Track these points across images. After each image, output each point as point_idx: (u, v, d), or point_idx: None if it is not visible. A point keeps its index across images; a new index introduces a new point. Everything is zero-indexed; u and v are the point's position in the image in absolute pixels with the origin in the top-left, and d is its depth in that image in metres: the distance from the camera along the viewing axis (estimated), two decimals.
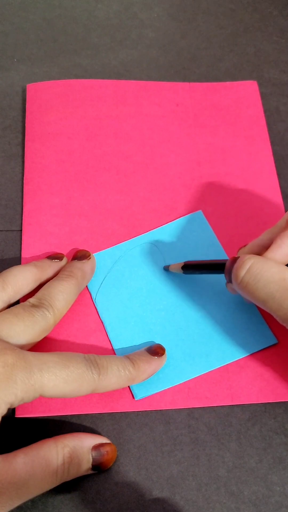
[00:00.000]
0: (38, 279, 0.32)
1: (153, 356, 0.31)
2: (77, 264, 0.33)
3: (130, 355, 0.31)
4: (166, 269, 0.35)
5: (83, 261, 0.34)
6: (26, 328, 0.28)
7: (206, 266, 0.33)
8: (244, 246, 0.33)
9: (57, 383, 0.26)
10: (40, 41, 0.46)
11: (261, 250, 0.31)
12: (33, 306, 0.30)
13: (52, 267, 0.33)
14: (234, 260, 0.30)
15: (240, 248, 0.33)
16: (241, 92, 0.43)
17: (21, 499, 0.26)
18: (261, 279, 0.28)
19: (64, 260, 0.34)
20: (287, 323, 0.28)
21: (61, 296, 0.31)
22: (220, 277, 0.33)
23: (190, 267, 0.33)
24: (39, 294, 0.31)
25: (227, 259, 0.31)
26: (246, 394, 0.32)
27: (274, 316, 0.28)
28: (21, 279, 0.31)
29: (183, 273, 0.34)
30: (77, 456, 0.28)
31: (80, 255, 0.34)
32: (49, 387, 0.26)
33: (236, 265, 0.29)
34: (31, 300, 0.30)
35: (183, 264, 0.34)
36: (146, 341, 0.33)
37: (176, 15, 0.48)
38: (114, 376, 0.29)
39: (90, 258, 0.34)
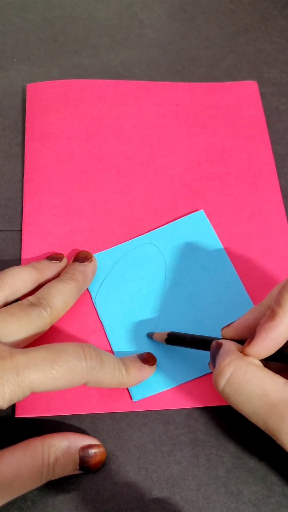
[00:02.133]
0: (37, 280, 0.32)
1: (144, 364, 0.31)
2: (79, 266, 0.33)
3: (123, 358, 0.30)
4: (150, 337, 0.33)
5: (85, 263, 0.33)
6: (21, 327, 0.28)
7: (190, 343, 0.30)
8: (228, 326, 0.29)
9: (45, 380, 0.26)
10: (40, 41, 0.46)
11: (245, 331, 0.28)
12: (31, 304, 0.30)
13: (51, 268, 0.33)
14: (218, 346, 0.27)
15: (224, 328, 0.30)
16: (241, 92, 0.43)
17: (5, 499, 0.26)
18: (243, 392, 0.25)
19: (64, 261, 0.34)
20: (275, 438, 0.26)
21: (60, 296, 0.31)
22: (220, 284, 0.33)
23: (174, 340, 0.31)
24: (38, 293, 0.31)
25: (212, 339, 0.29)
26: None
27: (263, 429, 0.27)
28: (18, 279, 0.31)
29: (166, 344, 0.32)
30: (63, 457, 0.27)
31: (82, 257, 0.34)
32: (37, 384, 0.26)
33: (215, 372, 0.26)
34: (30, 298, 0.30)
35: (166, 334, 0.31)
36: (146, 341, 0.33)
37: (176, 15, 0.48)
38: (110, 372, 0.29)
39: (92, 260, 0.34)
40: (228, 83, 0.44)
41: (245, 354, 0.26)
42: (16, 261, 0.36)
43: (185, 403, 0.32)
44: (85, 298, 0.34)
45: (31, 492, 0.29)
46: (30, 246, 0.36)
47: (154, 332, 0.33)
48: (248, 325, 0.28)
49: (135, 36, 0.46)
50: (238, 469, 0.30)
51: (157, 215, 0.37)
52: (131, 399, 0.31)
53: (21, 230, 0.37)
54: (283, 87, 0.44)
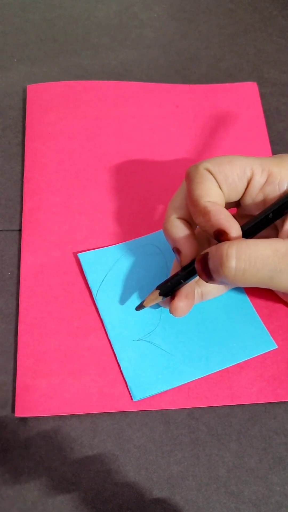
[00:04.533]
0: None
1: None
2: None
3: None
4: (140, 308, 0.32)
5: None
6: None
7: (179, 280, 0.30)
8: (180, 253, 0.30)
9: None
10: (40, 41, 0.46)
11: (196, 247, 0.30)
12: None
13: None
14: (205, 257, 0.28)
15: (181, 256, 0.30)
16: (240, 94, 0.43)
17: None
18: (257, 259, 0.26)
19: None
20: None
21: None
22: None
23: (167, 289, 0.31)
24: None
25: (191, 264, 0.29)
26: (246, 394, 0.32)
27: (283, 290, 0.27)
28: None
29: (163, 299, 0.31)
30: None
31: None
32: None
33: (219, 260, 0.26)
34: None
35: (157, 291, 0.31)
36: (146, 341, 0.33)
37: (176, 15, 0.48)
38: None
39: None
40: (227, 84, 0.44)
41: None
42: (16, 261, 0.36)
43: (186, 403, 0.31)
44: (86, 296, 0.34)
45: (31, 492, 0.29)
46: (30, 245, 0.36)
47: (143, 301, 0.32)
48: (192, 239, 0.30)
49: (135, 36, 0.46)
50: (239, 469, 0.30)
51: (157, 215, 0.37)
52: (131, 399, 0.31)
53: (20, 230, 0.37)
54: (283, 87, 0.44)
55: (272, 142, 0.41)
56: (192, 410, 0.32)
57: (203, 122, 0.42)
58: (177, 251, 0.30)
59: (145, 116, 0.41)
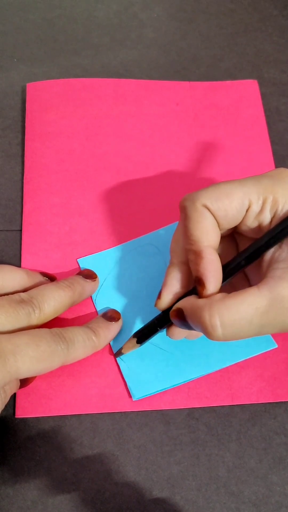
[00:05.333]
0: (24, 285, 0.32)
1: (110, 322, 0.32)
2: (80, 280, 0.33)
3: (89, 324, 0.31)
4: (119, 355, 0.32)
5: (87, 280, 0.33)
6: (6, 321, 0.28)
7: (154, 328, 0.30)
8: (159, 298, 0.30)
9: (31, 364, 0.27)
10: (40, 41, 0.45)
11: (176, 296, 0.30)
12: (22, 301, 0.29)
13: (41, 282, 0.33)
14: (179, 312, 0.28)
15: (157, 303, 0.30)
16: (241, 91, 0.43)
17: None
18: (242, 324, 0.25)
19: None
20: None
21: (52, 302, 0.30)
22: None
23: (143, 337, 0.31)
24: (32, 292, 0.31)
25: (159, 316, 0.30)
26: (246, 394, 0.32)
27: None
28: (9, 278, 0.31)
29: (140, 345, 0.31)
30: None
31: (86, 274, 0.34)
32: (23, 369, 0.27)
33: (204, 329, 0.26)
34: (22, 294, 0.30)
35: (135, 339, 0.31)
36: (146, 342, 0.33)
37: (176, 15, 0.48)
38: (81, 347, 0.29)
39: (94, 280, 0.34)
40: (228, 82, 0.44)
41: (206, 297, 0.27)
42: (16, 261, 0.36)
43: (186, 403, 0.31)
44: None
45: (31, 492, 0.29)
46: (30, 245, 0.36)
47: (119, 348, 0.32)
48: (175, 288, 0.30)
49: (135, 36, 0.46)
50: (239, 469, 0.30)
51: (157, 215, 0.37)
52: (131, 399, 0.31)
53: (21, 230, 0.37)
54: (283, 87, 0.44)
55: (272, 142, 0.41)
56: (192, 410, 0.32)
57: (203, 121, 0.42)
58: (158, 294, 0.30)
59: (145, 115, 0.41)
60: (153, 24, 0.47)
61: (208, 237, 0.28)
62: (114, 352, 0.32)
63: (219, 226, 0.28)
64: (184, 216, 0.29)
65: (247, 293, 0.26)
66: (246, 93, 0.43)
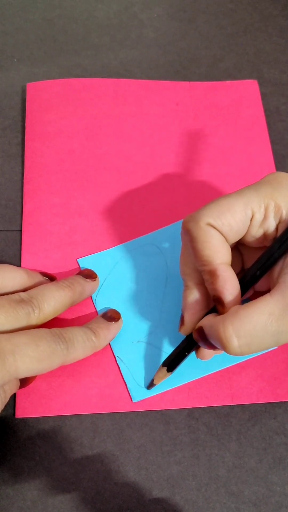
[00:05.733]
0: (25, 285, 0.32)
1: (110, 322, 0.32)
2: (80, 280, 0.33)
3: (89, 324, 0.31)
4: (152, 386, 0.31)
5: (87, 280, 0.33)
6: (6, 321, 0.28)
7: (182, 354, 0.30)
8: (182, 324, 0.30)
9: (30, 364, 0.27)
10: (40, 41, 0.45)
11: (197, 320, 0.30)
12: (21, 301, 0.29)
13: (41, 281, 0.33)
14: (201, 330, 0.28)
15: (181, 327, 0.30)
16: (241, 91, 0.43)
17: None
18: (258, 332, 0.25)
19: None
20: None
21: (53, 302, 0.30)
22: None
23: (173, 364, 0.31)
24: (32, 291, 0.31)
25: (185, 340, 0.30)
26: (246, 394, 0.32)
27: None
28: (8, 278, 0.31)
29: (171, 373, 0.31)
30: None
31: (86, 273, 0.34)
32: (23, 369, 0.27)
33: (220, 342, 0.26)
34: (22, 294, 0.30)
35: (165, 368, 0.30)
36: (146, 343, 0.33)
37: (176, 15, 0.48)
38: (80, 347, 0.29)
39: (94, 280, 0.34)
40: (228, 82, 0.44)
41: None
42: (16, 261, 0.36)
43: (186, 403, 0.31)
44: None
45: (31, 492, 0.29)
46: (30, 246, 0.36)
47: (151, 380, 0.31)
48: (196, 311, 0.30)
49: (135, 36, 0.46)
50: (239, 469, 0.30)
51: (157, 215, 0.37)
52: (131, 400, 0.31)
53: (21, 230, 0.37)
54: (283, 87, 0.44)
55: (272, 142, 0.41)
56: (192, 410, 0.32)
57: (203, 121, 0.42)
58: (181, 319, 0.30)
59: (145, 115, 0.41)
60: (153, 24, 0.47)
61: (219, 255, 0.28)
62: (146, 386, 0.32)
63: (227, 241, 0.28)
64: (189, 238, 0.29)
65: (259, 301, 0.26)
66: (246, 93, 0.43)
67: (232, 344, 0.26)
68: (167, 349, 0.33)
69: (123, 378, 0.32)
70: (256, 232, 0.28)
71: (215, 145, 0.40)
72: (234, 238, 0.28)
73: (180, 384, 0.32)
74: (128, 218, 0.37)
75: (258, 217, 0.28)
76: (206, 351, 0.30)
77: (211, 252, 0.28)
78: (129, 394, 0.31)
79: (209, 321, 0.28)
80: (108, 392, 0.32)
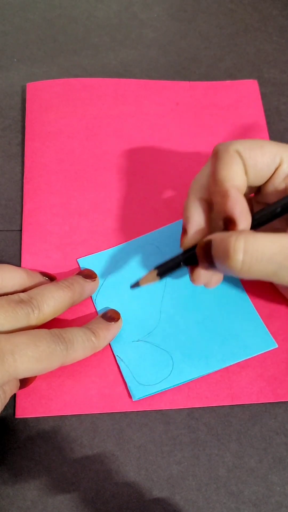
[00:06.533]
0: (24, 284, 0.32)
1: (110, 322, 0.32)
2: (80, 280, 0.33)
3: (89, 325, 0.31)
4: (135, 286, 0.32)
5: (87, 280, 0.33)
6: (5, 322, 0.28)
7: (178, 263, 0.30)
8: (185, 235, 0.30)
9: (30, 364, 0.27)
10: (40, 41, 0.45)
11: (201, 234, 0.30)
12: (21, 301, 0.29)
13: (41, 282, 0.33)
14: (208, 244, 0.28)
15: (183, 239, 0.31)
16: (241, 91, 0.43)
17: None
18: (264, 255, 0.26)
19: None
20: None
21: (52, 302, 0.30)
22: (221, 283, 0.33)
23: (165, 270, 0.31)
24: (32, 292, 0.31)
25: (195, 246, 0.29)
26: (246, 394, 0.32)
27: (286, 285, 0.28)
28: (8, 278, 0.31)
29: (160, 280, 0.31)
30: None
31: (86, 274, 0.34)
32: (22, 369, 0.27)
33: (225, 251, 0.26)
34: (21, 295, 0.30)
35: (155, 271, 0.31)
36: (146, 342, 0.33)
37: (176, 15, 0.48)
38: (80, 347, 0.29)
39: (94, 280, 0.34)
40: (228, 82, 0.44)
41: None
42: (16, 261, 0.36)
43: (186, 403, 0.31)
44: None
45: (31, 492, 0.29)
46: (30, 246, 0.36)
47: (138, 280, 0.31)
48: (201, 225, 0.30)
49: (135, 36, 0.46)
50: (239, 469, 0.30)
51: (157, 215, 0.37)
52: (131, 398, 0.31)
53: (21, 230, 0.37)
54: (283, 87, 0.44)
55: None
56: (192, 410, 0.32)
57: (203, 120, 0.42)
58: (183, 231, 0.30)
59: (145, 115, 0.41)
60: (153, 24, 0.47)
61: (235, 179, 0.28)
62: (131, 286, 0.32)
63: (247, 177, 0.29)
64: (215, 159, 0.29)
65: (278, 234, 0.26)
66: (246, 93, 0.43)
67: (237, 256, 0.26)
68: (167, 348, 0.33)
69: (123, 378, 0.32)
70: (279, 184, 0.29)
71: (215, 145, 0.40)
72: (254, 178, 0.29)
73: (180, 383, 0.32)
74: (128, 218, 0.37)
75: (285, 168, 0.28)
76: (201, 274, 0.30)
77: (228, 175, 0.28)
78: (129, 393, 0.31)
79: (221, 235, 0.27)
80: (108, 392, 0.32)
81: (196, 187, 0.30)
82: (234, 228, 0.27)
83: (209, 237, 0.28)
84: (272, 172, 0.29)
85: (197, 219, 0.30)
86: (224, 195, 0.28)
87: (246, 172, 0.28)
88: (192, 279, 0.31)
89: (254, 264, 0.26)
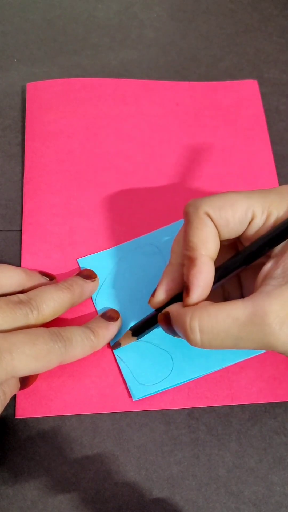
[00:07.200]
0: (23, 284, 0.32)
1: (109, 321, 0.32)
2: (79, 281, 0.33)
3: (88, 324, 0.31)
4: (117, 347, 0.32)
5: (87, 280, 0.33)
6: (3, 322, 0.28)
7: (148, 324, 0.31)
8: (153, 296, 0.31)
9: (27, 362, 0.27)
10: (40, 41, 0.45)
11: (169, 294, 0.30)
12: (20, 302, 0.29)
13: (40, 281, 0.33)
14: (167, 316, 0.28)
15: (151, 300, 0.31)
16: (241, 91, 0.43)
17: None
18: (219, 332, 0.26)
19: (53, 282, 0.33)
20: (267, 349, 0.26)
21: (52, 303, 0.30)
22: None
23: (139, 331, 0.32)
24: (31, 293, 0.31)
25: (154, 313, 0.31)
26: (246, 394, 0.32)
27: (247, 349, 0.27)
28: (6, 277, 0.31)
29: (138, 339, 0.32)
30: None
31: (86, 274, 0.34)
32: (20, 367, 0.27)
33: (183, 331, 0.27)
34: (21, 295, 0.30)
35: (130, 332, 0.32)
36: (145, 341, 0.33)
37: (176, 15, 0.48)
38: (79, 346, 0.30)
39: (94, 280, 0.34)
40: (228, 82, 0.44)
41: (189, 305, 0.28)
42: (16, 261, 0.36)
43: (186, 403, 0.31)
44: None
45: (31, 492, 0.29)
46: (30, 246, 0.36)
47: (116, 341, 0.32)
48: (169, 288, 0.30)
49: (135, 36, 0.46)
50: (239, 469, 0.30)
51: (157, 215, 0.37)
52: (131, 399, 0.31)
53: (21, 230, 0.37)
54: (283, 87, 0.44)
55: (272, 142, 0.41)
56: (192, 410, 0.32)
57: (203, 121, 0.42)
58: (152, 292, 0.31)
59: (145, 115, 0.41)
60: (153, 24, 0.47)
61: (206, 246, 0.28)
62: (112, 345, 0.32)
63: (219, 235, 0.28)
64: (185, 222, 0.29)
65: (230, 304, 0.26)
66: (246, 93, 0.43)
67: (194, 337, 0.26)
68: (167, 348, 0.33)
69: (122, 378, 0.32)
70: (253, 236, 0.28)
71: (215, 145, 0.40)
72: (228, 235, 0.28)
73: (180, 383, 0.32)
74: (128, 218, 0.37)
75: (258, 222, 0.28)
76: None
77: (198, 241, 0.28)
78: (129, 393, 0.31)
79: (177, 309, 0.28)
80: (108, 392, 0.32)
81: (177, 251, 0.30)
82: (187, 297, 0.28)
83: (167, 309, 0.29)
84: (246, 227, 0.28)
85: (168, 284, 0.30)
86: (191, 262, 0.28)
87: (218, 232, 0.28)
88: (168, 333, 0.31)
89: (213, 340, 0.26)
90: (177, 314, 0.28)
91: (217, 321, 0.26)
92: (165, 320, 0.29)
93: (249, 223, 0.28)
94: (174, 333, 0.29)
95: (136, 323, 0.32)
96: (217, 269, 0.28)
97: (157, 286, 0.31)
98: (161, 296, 0.30)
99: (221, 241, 0.29)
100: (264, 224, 0.28)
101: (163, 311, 0.29)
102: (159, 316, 0.29)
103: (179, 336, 0.28)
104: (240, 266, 0.28)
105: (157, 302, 0.30)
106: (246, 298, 0.26)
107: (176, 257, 0.30)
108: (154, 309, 0.31)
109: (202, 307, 0.27)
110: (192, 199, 0.29)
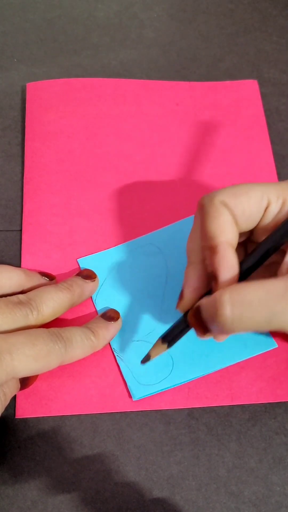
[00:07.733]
0: (23, 285, 0.32)
1: (109, 321, 0.32)
2: (79, 281, 0.33)
3: (88, 324, 0.31)
4: (146, 361, 0.30)
5: (87, 281, 0.33)
6: (3, 323, 0.28)
7: (181, 331, 0.29)
8: (181, 300, 0.30)
9: (27, 363, 0.27)
10: (40, 41, 0.45)
11: (197, 295, 0.29)
12: (19, 302, 0.29)
13: (40, 281, 0.33)
14: (197, 310, 0.27)
15: (179, 305, 0.30)
16: (241, 91, 0.43)
17: None
18: (252, 301, 0.25)
19: (53, 282, 0.33)
20: None
21: (51, 303, 0.30)
22: None
23: (172, 338, 0.29)
24: (30, 294, 0.30)
25: (186, 314, 0.29)
26: (246, 394, 0.32)
27: (283, 331, 0.26)
28: (5, 278, 0.31)
29: (168, 348, 0.30)
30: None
31: (85, 274, 0.34)
32: (20, 368, 0.27)
33: (213, 309, 0.25)
34: (20, 296, 0.30)
35: (165, 343, 0.29)
36: (146, 342, 0.33)
37: (176, 15, 0.48)
38: (79, 346, 0.30)
39: (94, 280, 0.33)
40: (228, 82, 0.44)
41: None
42: (16, 261, 0.36)
43: (186, 403, 0.31)
44: None
45: (31, 492, 0.29)
46: (30, 246, 0.36)
47: (147, 355, 0.30)
48: (196, 286, 0.29)
49: (135, 36, 0.46)
50: (239, 469, 0.30)
51: (157, 215, 0.37)
52: (131, 398, 0.31)
53: (21, 230, 0.37)
54: (283, 87, 0.44)
55: (272, 142, 0.41)
56: (192, 410, 0.32)
57: (203, 121, 0.42)
58: (180, 295, 0.30)
59: (145, 115, 0.41)
60: (153, 24, 0.47)
61: (224, 233, 0.27)
62: (141, 361, 0.31)
63: (236, 224, 0.28)
64: (201, 213, 0.28)
65: (261, 280, 0.25)
66: (246, 93, 0.43)
67: (225, 310, 0.25)
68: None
69: (123, 378, 0.32)
70: (268, 223, 0.28)
71: (215, 145, 0.40)
72: (245, 224, 0.28)
73: (180, 383, 0.32)
74: (128, 218, 0.37)
75: (274, 208, 0.28)
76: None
77: (216, 229, 0.27)
78: (129, 393, 0.31)
79: (207, 298, 0.27)
80: (108, 392, 0.32)
81: (194, 249, 0.30)
82: (216, 285, 0.27)
83: (197, 304, 0.28)
84: (262, 215, 0.28)
85: (194, 282, 0.29)
86: (213, 251, 0.27)
87: (235, 221, 0.28)
88: (199, 337, 0.29)
89: (245, 312, 0.25)
90: (207, 301, 0.26)
91: (249, 292, 0.25)
92: (195, 315, 0.27)
93: (265, 211, 0.28)
94: (205, 330, 0.27)
95: (167, 331, 0.30)
96: (241, 263, 0.28)
97: (183, 287, 0.30)
98: (189, 296, 0.29)
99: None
100: (280, 211, 0.28)
101: (194, 307, 0.28)
102: (190, 312, 0.28)
103: (211, 335, 0.27)
104: (275, 248, 0.27)
105: (186, 303, 0.29)
106: (277, 276, 0.26)
107: (195, 254, 0.30)
108: (182, 313, 0.30)
109: (231, 286, 0.26)
110: (206, 194, 0.29)
